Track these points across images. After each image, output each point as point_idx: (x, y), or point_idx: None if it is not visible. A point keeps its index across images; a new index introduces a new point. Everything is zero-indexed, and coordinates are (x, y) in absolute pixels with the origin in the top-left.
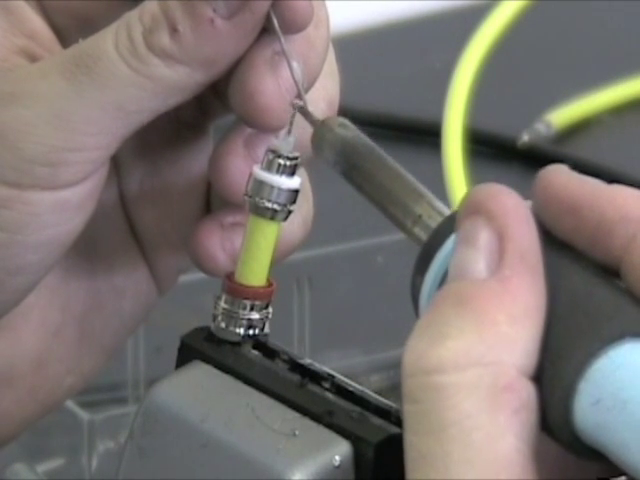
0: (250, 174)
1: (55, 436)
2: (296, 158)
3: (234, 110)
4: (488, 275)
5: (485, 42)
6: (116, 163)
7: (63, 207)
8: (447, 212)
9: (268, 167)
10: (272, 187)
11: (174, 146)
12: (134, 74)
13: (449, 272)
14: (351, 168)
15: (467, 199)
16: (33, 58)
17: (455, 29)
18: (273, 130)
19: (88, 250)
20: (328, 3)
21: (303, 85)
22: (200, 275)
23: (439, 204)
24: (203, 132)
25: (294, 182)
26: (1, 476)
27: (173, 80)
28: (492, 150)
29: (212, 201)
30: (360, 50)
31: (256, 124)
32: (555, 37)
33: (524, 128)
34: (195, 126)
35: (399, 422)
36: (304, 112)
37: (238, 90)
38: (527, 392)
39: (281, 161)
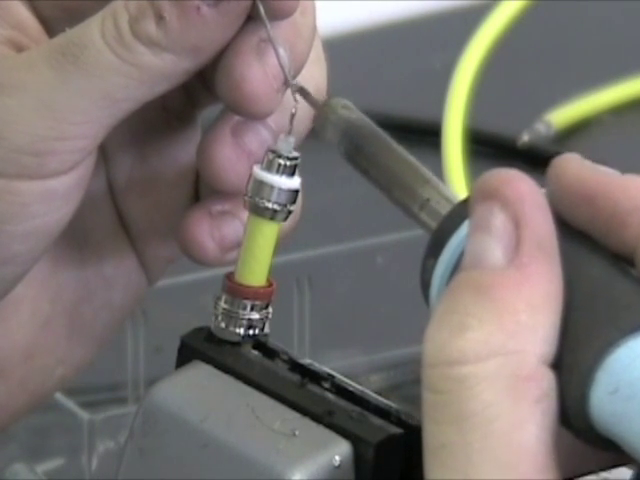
0: (250, 174)
1: (55, 436)
2: (296, 158)
3: (221, 98)
4: (505, 262)
5: (485, 42)
6: (104, 152)
7: (51, 196)
8: (454, 197)
9: (268, 167)
10: (272, 187)
11: (162, 135)
12: (121, 62)
13: (464, 258)
14: (355, 150)
15: (480, 184)
16: (20, 49)
17: (455, 29)
18: (260, 117)
19: (77, 240)
20: (328, 4)
21: (290, 72)
22: (200, 275)
23: (446, 189)
24: (191, 121)
25: (294, 182)
26: (1, 476)
27: (159, 68)
28: (492, 150)
29: (201, 190)
30: (360, 50)
31: (243, 112)
32: (555, 37)
33: (524, 128)
34: (183, 115)
35: (399, 422)
36: (304, 93)
37: (225, 78)
38: (548, 381)
39: (281, 161)
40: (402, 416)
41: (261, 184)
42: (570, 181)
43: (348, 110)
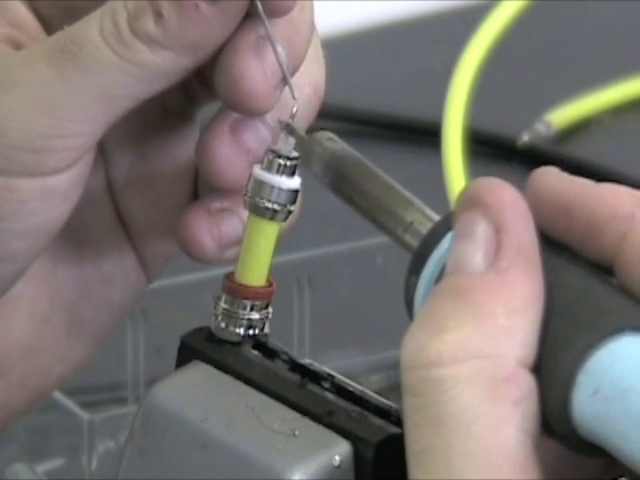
0: (250, 174)
1: (55, 436)
2: (296, 158)
3: (219, 95)
4: (485, 267)
5: (485, 42)
6: (103, 150)
7: (49, 194)
8: (437, 218)
9: (268, 167)
10: (272, 187)
11: (161, 133)
12: (119, 60)
13: (447, 266)
14: (340, 179)
15: (464, 193)
16: (18, 46)
17: (455, 29)
18: (259, 114)
19: (76, 238)
20: (329, 3)
21: (288, 69)
22: (200, 275)
23: (429, 211)
24: (189, 119)
25: (294, 182)
26: (1, 476)
27: (158, 65)
28: (492, 150)
29: (200, 188)
30: (360, 50)
31: (242, 109)
32: (555, 37)
33: (524, 128)
34: (181, 113)
35: (399, 422)
36: (290, 129)
37: (223, 75)
38: (527, 384)
39: (281, 161)
40: (402, 416)
41: (261, 184)
42: (547, 194)
43: (333, 142)
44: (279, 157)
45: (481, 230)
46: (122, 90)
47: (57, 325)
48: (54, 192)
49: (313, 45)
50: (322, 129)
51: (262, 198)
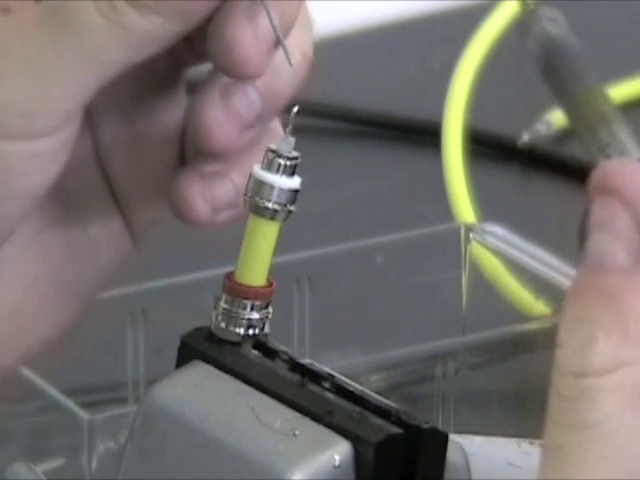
0: (250, 174)
1: (55, 436)
2: (296, 158)
3: (211, 60)
4: (629, 266)
5: (485, 42)
6: (90, 114)
7: (37, 157)
8: (632, 147)
9: (268, 167)
10: (272, 187)
11: (146, 96)
12: (109, 24)
13: (586, 257)
14: (552, 70)
15: (599, 176)
16: (7, 12)
17: (455, 29)
18: (250, 79)
19: (63, 202)
20: (328, 3)
21: (281, 33)
22: (200, 275)
23: (627, 138)
24: (175, 82)
25: (294, 182)
26: (1, 476)
27: (148, 30)
28: (492, 150)
29: (187, 152)
30: (360, 50)
31: (234, 74)
32: None
33: (524, 128)
34: (167, 76)
35: (399, 422)
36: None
37: (215, 40)
38: None
39: (281, 161)
40: (402, 416)
41: (261, 184)
42: None
43: (554, 24)
44: (279, 157)
45: (622, 224)
46: (111, 55)
47: (43, 287)
48: (42, 155)
49: (302, 12)
50: (322, 129)
51: (262, 198)
